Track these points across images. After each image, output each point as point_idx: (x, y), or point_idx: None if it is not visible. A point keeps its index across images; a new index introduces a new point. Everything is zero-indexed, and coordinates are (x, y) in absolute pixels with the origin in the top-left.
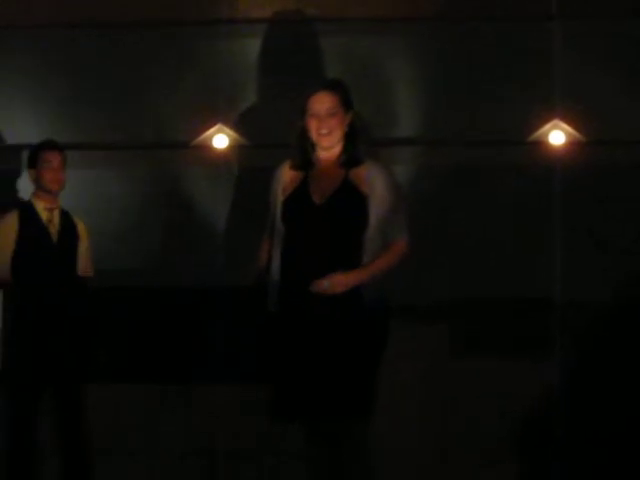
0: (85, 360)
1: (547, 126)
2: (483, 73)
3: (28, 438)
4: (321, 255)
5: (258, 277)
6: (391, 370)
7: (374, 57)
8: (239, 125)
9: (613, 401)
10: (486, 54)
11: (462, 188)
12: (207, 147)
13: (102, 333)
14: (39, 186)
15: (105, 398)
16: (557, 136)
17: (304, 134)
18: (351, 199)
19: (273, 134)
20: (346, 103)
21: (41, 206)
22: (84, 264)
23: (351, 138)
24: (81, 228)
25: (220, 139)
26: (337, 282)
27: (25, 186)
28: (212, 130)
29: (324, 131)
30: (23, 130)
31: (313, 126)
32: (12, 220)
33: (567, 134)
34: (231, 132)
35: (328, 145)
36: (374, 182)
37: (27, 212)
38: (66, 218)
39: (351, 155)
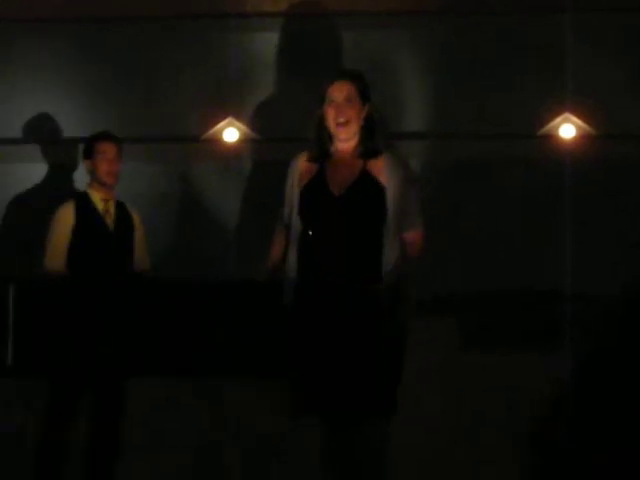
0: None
1: (558, 119)
2: (494, 66)
3: (63, 435)
4: (339, 247)
5: (271, 271)
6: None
7: (383, 51)
8: (249, 119)
9: (623, 395)
10: (497, 47)
11: (472, 181)
12: (217, 141)
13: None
14: (94, 177)
15: None
16: (567, 129)
17: (322, 124)
18: (370, 190)
19: (283, 128)
20: (364, 94)
21: (97, 197)
22: (139, 256)
23: (368, 130)
24: (136, 219)
25: (230, 133)
26: None
27: (81, 179)
28: (222, 124)
29: (342, 119)
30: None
31: (331, 114)
32: (68, 211)
33: (577, 127)
34: (241, 126)
35: (345, 137)
36: (392, 173)
37: (83, 203)
38: (122, 209)
39: (369, 147)
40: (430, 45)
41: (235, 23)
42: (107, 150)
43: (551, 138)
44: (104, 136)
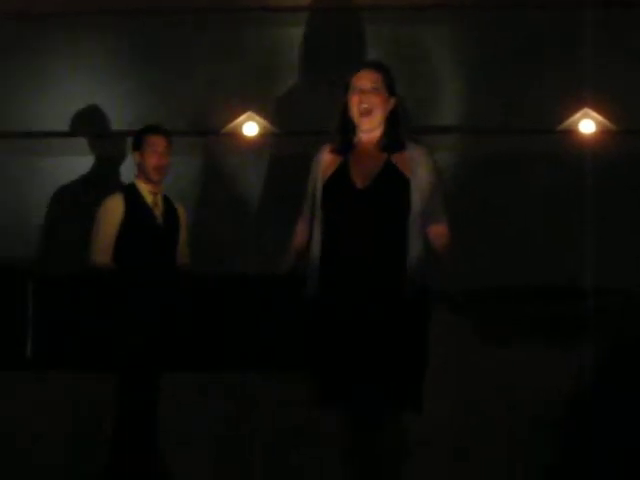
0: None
1: (577, 115)
2: (514, 61)
3: (137, 429)
4: (364, 240)
5: (291, 263)
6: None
7: (409, 45)
8: (269, 113)
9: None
10: (517, 42)
11: (493, 176)
12: (237, 135)
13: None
14: (143, 170)
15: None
16: (587, 125)
17: (345, 113)
18: (394, 183)
19: (303, 122)
20: (389, 86)
21: (145, 189)
22: (182, 251)
23: (393, 123)
24: (181, 213)
25: (250, 127)
26: None
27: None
28: (242, 118)
29: (365, 106)
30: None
31: (355, 101)
32: (118, 203)
33: (597, 123)
34: (261, 120)
35: (368, 127)
36: (417, 165)
37: (132, 195)
38: (168, 203)
39: (393, 139)
40: (452, 41)
41: (256, 17)
42: (157, 143)
43: (571, 133)
44: (154, 129)
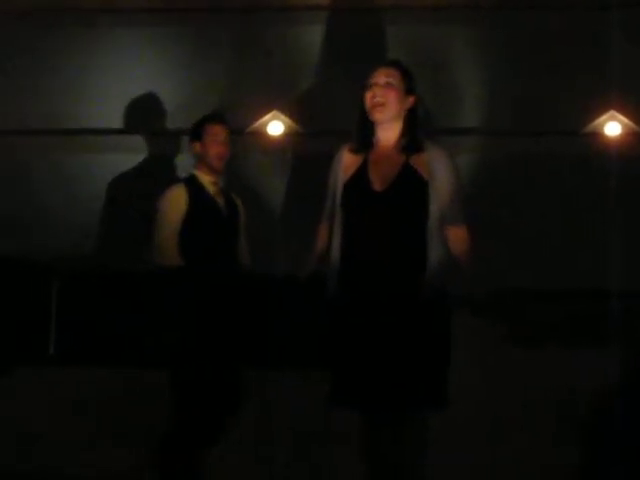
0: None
1: (603, 117)
2: (539, 63)
3: (194, 423)
4: (382, 243)
5: (314, 264)
6: None
7: (431, 46)
8: (294, 112)
9: None
10: (542, 44)
11: (517, 178)
12: (262, 134)
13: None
14: (203, 160)
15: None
16: (613, 127)
17: (363, 111)
18: (413, 186)
19: (328, 121)
20: (407, 84)
21: (207, 180)
22: (243, 244)
23: (411, 124)
24: (240, 206)
25: (275, 126)
26: None
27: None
28: (267, 117)
29: (378, 99)
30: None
31: (368, 96)
32: (180, 194)
33: (623, 125)
34: (286, 119)
35: (380, 118)
36: (436, 167)
37: (194, 186)
38: (228, 195)
39: (411, 140)
40: (476, 42)
41: (280, 16)
42: (218, 132)
43: (597, 136)
44: (215, 118)
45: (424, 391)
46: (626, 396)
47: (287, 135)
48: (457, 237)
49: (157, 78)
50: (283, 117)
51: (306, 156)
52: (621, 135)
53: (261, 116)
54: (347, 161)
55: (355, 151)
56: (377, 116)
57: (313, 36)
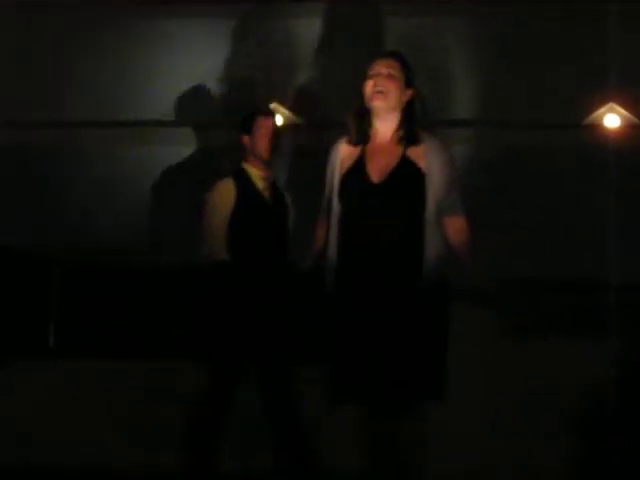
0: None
1: (602, 109)
2: (538, 55)
3: (218, 414)
4: (380, 235)
5: (315, 257)
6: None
7: (431, 38)
8: (294, 104)
9: None
10: (541, 36)
11: (516, 170)
12: None
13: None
14: (253, 153)
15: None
16: (612, 119)
17: (361, 101)
18: (410, 178)
19: (326, 113)
20: (407, 76)
21: (256, 174)
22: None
23: (409, 116)
24: (289, 203)
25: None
26: None
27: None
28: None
29: (379, 88)
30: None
31: (369, 85)
32: (229, 188)
33: (622, 117)
34: (285, 111)
35: (380, 106)
36: (433, 159)
37: (242, 180)
38: (277, 190)
39: (408, 132)
40: (476, 34)
41: (281, 8)
42: (268, 125)
43: (596, 128)
44: (265, 111)
45: (423, 383)
46: (624, 388)
47: (286, 127)
48: (455, 228)
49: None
50: (282, 110)
51: (305, 147)
52: (620, 127)
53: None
54: (345, 153)
55: (352, 143)
56: (377, 103)
57: (314, 28)
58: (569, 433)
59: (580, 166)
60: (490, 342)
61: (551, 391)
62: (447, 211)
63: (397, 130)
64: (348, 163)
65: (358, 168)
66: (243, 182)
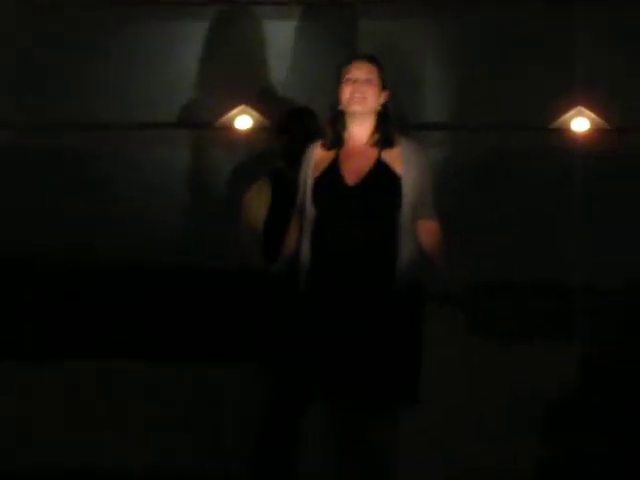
0: None
1: (570, 113)
2: (506, 59)
3: (285, 424)
4: (354, 238)
5: (286, 260)
6: None
7: (400, 41)
8: (263, 106)
9: (632, 386)
10: (509, 40)
11: (484, 173)
12: (230, 128)
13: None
14: (289, 154)
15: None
16: (580, 123)
17: (336, 106)
18: (385, 180)
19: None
20: (383, 79)
21: (292, 174)
22: None
23: (384, 118)
24: None
25: (243, 120)
26: None
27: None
28: (235, 111)
29: (358, 95)
30: None
31: (347, 91)
32: (265, 189)
33: (590, 121)
34: (255, 113)
35: (359, 110)
36: (408, 161)
37: (280, 180)
38: None
39: (384, 135)
40: (443, 38)
41: (249, 11)
42: (303, 125)
43: (564, 131)
44: (303, 112)
45: (394, 386)
46: (590, 390)
47: (255, 130)
48: (429, 231)
49: None
50: (251, 111)
51: (274, 151)
52: (588, 131)
53: (229, 110)
54: (319, 157)
55: (327, 147)
56: (357, 108)
57: (283, 31)
58: (535, 435)
59: (548, 169)
60: (462, 344)
61: (522, 395)
62: (421, 213)
63: (372, 134)
64: (322, 167)
65: (332, 171)
66: (280, 183)
